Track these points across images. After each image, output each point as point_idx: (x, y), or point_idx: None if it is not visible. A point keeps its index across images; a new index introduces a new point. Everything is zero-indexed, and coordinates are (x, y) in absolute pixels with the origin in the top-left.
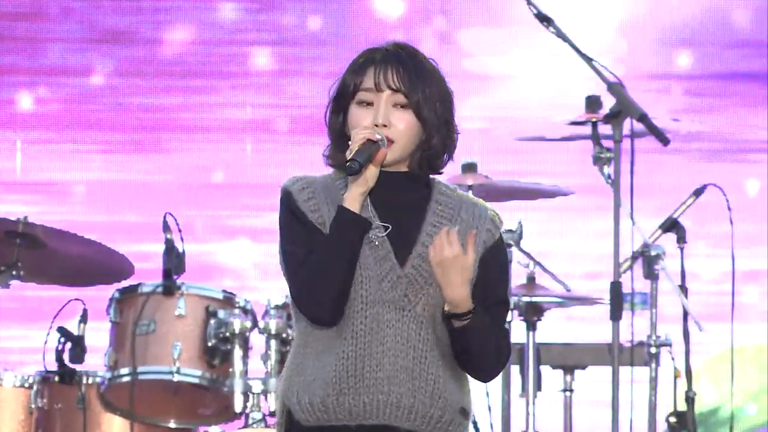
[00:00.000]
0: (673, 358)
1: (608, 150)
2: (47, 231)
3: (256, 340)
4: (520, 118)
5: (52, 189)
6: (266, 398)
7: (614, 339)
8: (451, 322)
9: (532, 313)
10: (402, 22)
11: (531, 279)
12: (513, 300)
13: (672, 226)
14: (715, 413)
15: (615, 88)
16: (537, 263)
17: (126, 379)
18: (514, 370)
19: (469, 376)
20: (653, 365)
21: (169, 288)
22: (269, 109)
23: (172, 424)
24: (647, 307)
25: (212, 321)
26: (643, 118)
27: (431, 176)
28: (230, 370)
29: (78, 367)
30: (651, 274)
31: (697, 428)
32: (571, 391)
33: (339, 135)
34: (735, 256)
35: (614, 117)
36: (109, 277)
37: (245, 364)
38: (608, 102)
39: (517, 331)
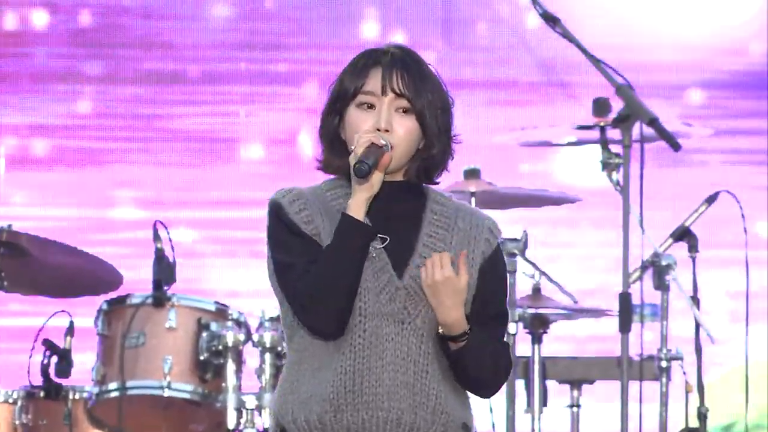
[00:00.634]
0: (684, 373)
1: (617, 155)
2: (31, 240)
3: (250, 353)
4: (524, 121)
5: (35, 196)
6: (260, 414)
7: (623, 352)
8: (446, 344)
9: (538, 326)
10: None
11: (536, 290)
12: (518, 312)
13: (684, 234)
14: (729, 430)
15: (624, 90)
16: (542, 273)
17: (114, 394)
18: (519, 384)
19: None
20: (664, 380)
21: (160, 299)
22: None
23: None
24: (658, 319)
25: (204, 334)
26: (653, 122)
27: (425, 185)
28: (223, 385)
29: (64, 382)
30: (662, 285)
31: None
32: (578, 406)
33: (334, 139)
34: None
35: (623, 121)
36: (96, 287)
37: (238, 378)
38: (617, 105)
39: (522, 344)
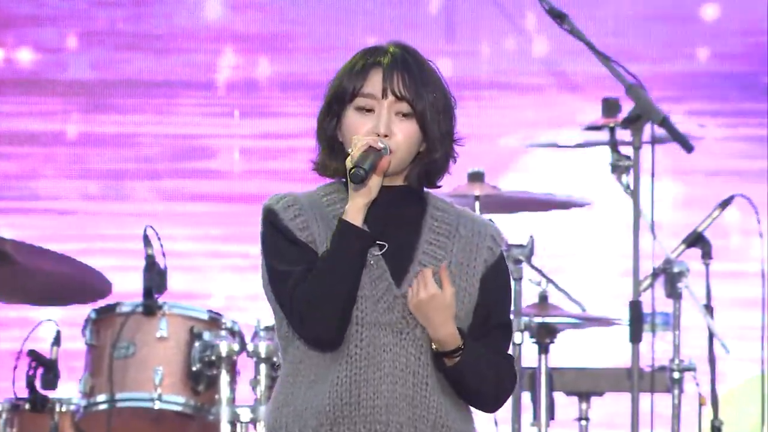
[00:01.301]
0: (697, 384)
1: (627, 157)
2: (18, 246)
3: (245, 364)
4: (531, 123)
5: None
6: (255, 428)
7: (634, 363)
8: (442, 360)
9: (545, 335)
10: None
11: (543, 298)
12: (524, 321)
13: (696, 240)
14: None
15: (634, 89)
16: (549, 281)
17: (103, 406)
18: (525, 397)
19: None
20: (676, 392)
21: (150, 307)
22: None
23: None
24: (669, 329)
25: (197, 343)
26: (664, 122)
27: (426, 190)
28: (216, 396)
29: (51, 394)
30: (674, 293)
31: None
32: (587, 419)
33: (331, 141)
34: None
35: (633, 121)
36: (84, 295)
37: (232, 390)
38: (627, 105)
39: (528, 354)
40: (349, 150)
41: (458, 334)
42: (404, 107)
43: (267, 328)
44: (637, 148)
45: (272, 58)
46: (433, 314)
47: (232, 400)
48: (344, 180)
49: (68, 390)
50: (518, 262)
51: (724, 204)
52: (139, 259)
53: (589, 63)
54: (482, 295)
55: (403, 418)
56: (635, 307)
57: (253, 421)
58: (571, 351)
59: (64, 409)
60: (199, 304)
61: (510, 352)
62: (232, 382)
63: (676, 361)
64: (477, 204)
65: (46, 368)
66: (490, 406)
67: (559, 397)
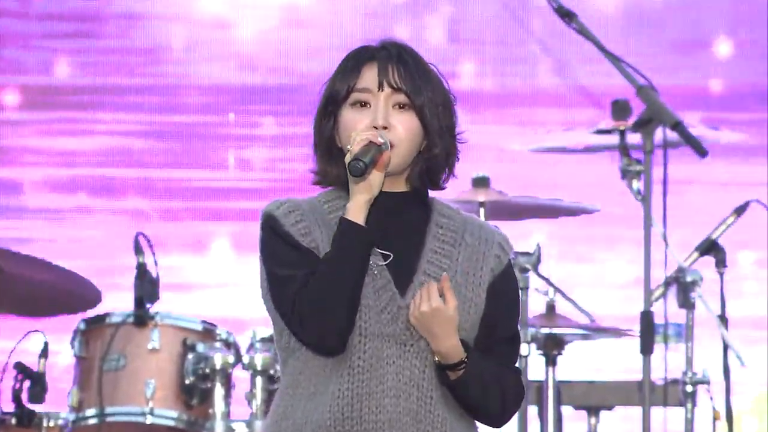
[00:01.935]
0: (711, 398)
1: (638, 162)
2: (4, 254)
3: (240, 377)
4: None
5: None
6: None
7: (645, 376)
8: (446, 374)
9: (552, 347)
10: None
11: (550, 308)
12: (530, 332)
13: (710, 248)
14: None
15: (645, 91)
16: (557, 290)
17: (92, 421)
18: (532, 411)
19: None
20: (689, 405)
21: (142, 318)
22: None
23: None
24: (682, 340)
25: (190, 355)
26: (677, 125)
27: (430, 195)
28: (210, 411)
29: (38, 408)
30: (686, 303)
31: None
32: None
33: (329, 146)
34: None
35: (645, 125)
36: (73, 305)
37: (227, 404)
38: (638, 108)
39: (535, 366)
40: (348, 148)
41: (461, 347)
42: (402, 98)
43: (263, 340)
44: (648, 153)
45: (271, 60)
46: (436, 327)
47: (227, 415)
48: (346, 186)
49: (56, 404)
50: (525, 270)
51: (740, 210)
52: (130, 268)
53: (599, 64)
54: (489, 306)
55: None
56: (646, 317)
57: None
58: (579, 363)
59: (51, 423)
60: (192, 314)
61: (517, 364)
62: (227, 396)
63: (689, 374)
64: (482, 210)
65: (33, 381)
66: (497, 420)
67: (567, 411)
